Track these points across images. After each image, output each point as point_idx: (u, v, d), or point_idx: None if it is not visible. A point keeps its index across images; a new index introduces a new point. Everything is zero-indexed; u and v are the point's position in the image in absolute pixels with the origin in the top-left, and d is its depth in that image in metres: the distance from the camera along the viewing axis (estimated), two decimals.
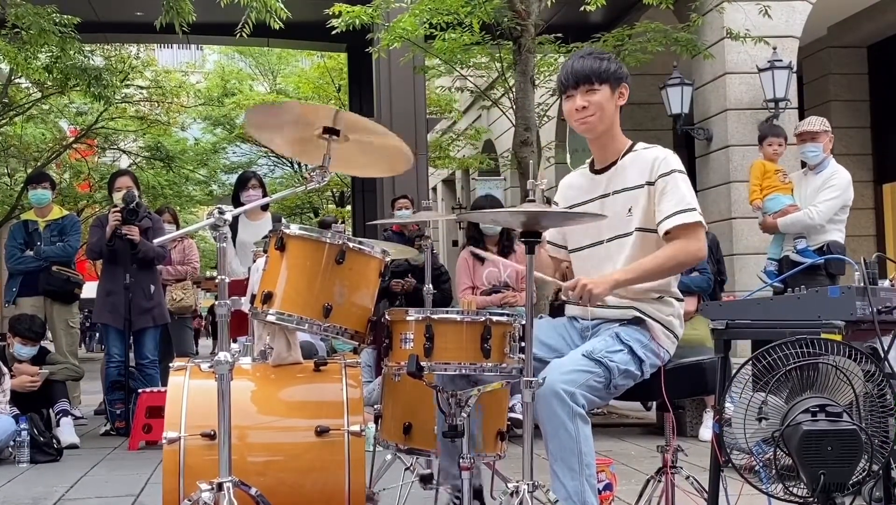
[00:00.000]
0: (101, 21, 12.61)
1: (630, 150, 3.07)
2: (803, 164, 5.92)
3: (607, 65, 3.02)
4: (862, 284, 2.73)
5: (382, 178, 10.87)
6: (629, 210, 2.98)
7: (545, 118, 11.71)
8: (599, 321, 2.99)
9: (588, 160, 3.20)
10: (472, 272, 6.61)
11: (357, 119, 2.99)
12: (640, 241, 2.96)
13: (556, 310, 6.42)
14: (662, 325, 2.95)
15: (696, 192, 10.81)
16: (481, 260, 6.57)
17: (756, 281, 6.28)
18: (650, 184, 2.95)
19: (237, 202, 6.66)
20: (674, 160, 2.97)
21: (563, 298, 3.01)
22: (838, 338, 2.65)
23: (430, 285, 3.67)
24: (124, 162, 22.44)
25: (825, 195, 5.65)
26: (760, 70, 9.86)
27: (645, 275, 2.89)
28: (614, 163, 3.07)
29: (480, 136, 18.24)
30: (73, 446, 6.04)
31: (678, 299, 3.03)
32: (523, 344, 2.66)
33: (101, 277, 6.91)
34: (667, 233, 2.91)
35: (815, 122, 5.83)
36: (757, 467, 2.64)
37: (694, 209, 2.90)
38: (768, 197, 5.90)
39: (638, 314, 2.93)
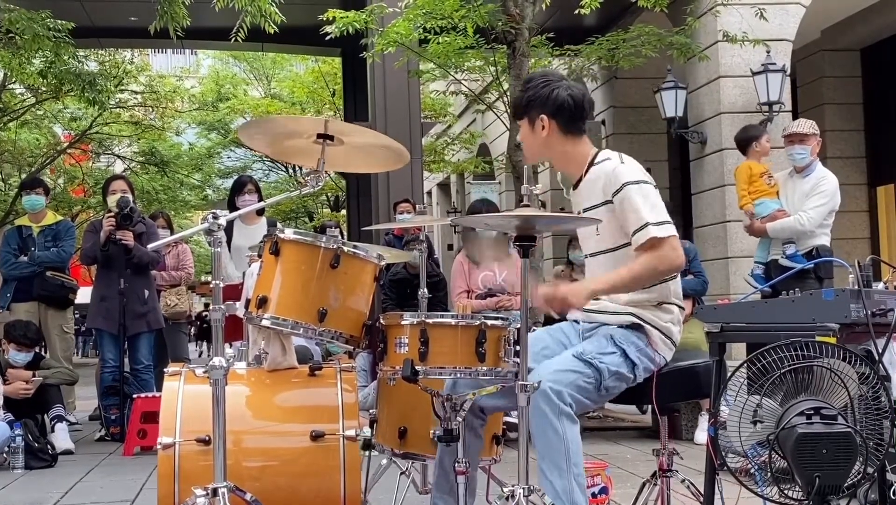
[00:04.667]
0: (95, 26, 12.58)
1: (592, 162, 2.99)
2: None
3: (521, 96, 3.00)
4: (856, 287, 2.73)
5: (378, 183, 10.87)
6: (597, 230, 2.96)
7: None
8: (598, 324, 2.98)
9: None
10: (467, 276, 6.61)
11: (348, 126, 3.01)
12: (612, 260, 2.94)
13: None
14: (661, 332, 2.92)
15: (691, 195, 10.86)
16: (476, 263, 6.57)
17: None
18: (609, 202, 2.90)
19: (233, 207, 6.64)
20: (623, 172, 2.87)
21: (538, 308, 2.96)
22: (833, 340, 2.65)
23: (426, 289, 3.67)
24: (119, 167, 22.38)
25: (814, 201, 5.65)
26: (754, 73, 9.87)
27: (622, 285, 2.86)
28: (581, 179, 3.03)
29: (475, 140, 18.27)
30: (67, 452, 6.02)
31: (678, 306, 2.99)
32: (518, 348, 2.66)
33: (95, 282, 6.89)
34: (638, 248, 2.86)
35: (805, 125, 5.83)
36: (752, 470, 2.64)
37: (662, 223, 2.81)
38: (756, 201, 5.90)
39: (636, 320, 2.91)
